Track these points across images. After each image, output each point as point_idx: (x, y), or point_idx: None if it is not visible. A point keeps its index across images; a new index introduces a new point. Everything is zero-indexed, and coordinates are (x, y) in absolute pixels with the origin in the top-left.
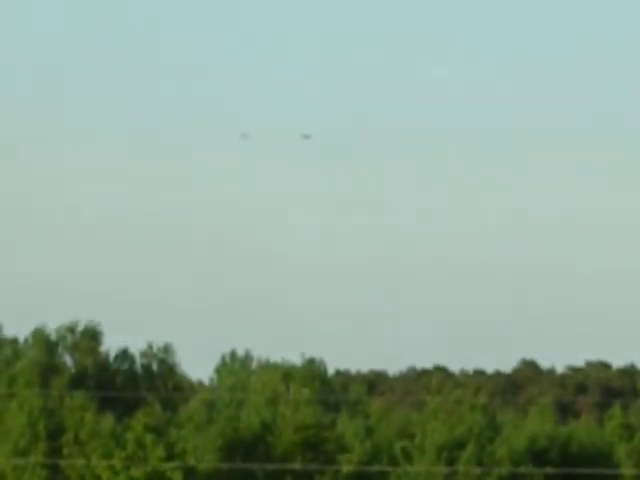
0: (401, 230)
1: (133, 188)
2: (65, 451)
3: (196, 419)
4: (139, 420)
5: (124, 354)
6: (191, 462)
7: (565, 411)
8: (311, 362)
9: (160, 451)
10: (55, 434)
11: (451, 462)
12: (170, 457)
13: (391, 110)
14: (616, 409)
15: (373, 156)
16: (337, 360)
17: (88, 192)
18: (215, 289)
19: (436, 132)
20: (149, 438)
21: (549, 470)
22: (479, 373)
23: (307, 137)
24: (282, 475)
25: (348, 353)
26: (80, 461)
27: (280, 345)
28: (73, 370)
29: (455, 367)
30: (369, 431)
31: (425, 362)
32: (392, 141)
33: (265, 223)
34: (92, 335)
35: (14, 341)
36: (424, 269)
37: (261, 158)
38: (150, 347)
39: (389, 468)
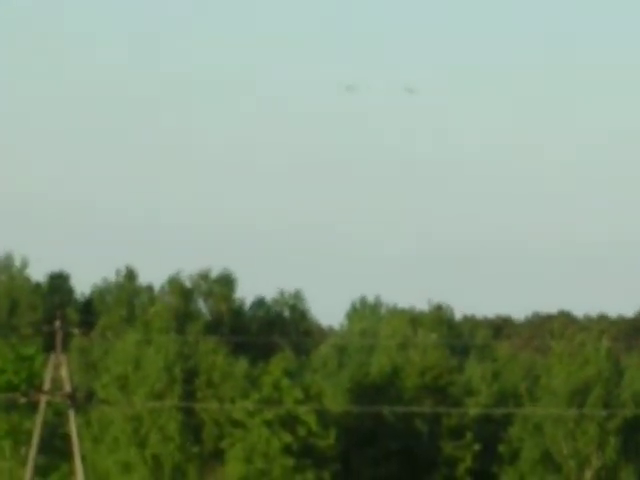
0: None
1: None
2: (199, 394)
3: (328, 364)
4: (277, 364)
5: (259, 301)
6: (325, 405)
7: None
8: (438, 308)
9: (297, 393)
10: (190, 378)
11: (577, 405)
12: (305, 400)
13: None
14: None
15: None
16: (464, 305)
17: None
18: (343, 237)
19: None
20: (285, 381)
21: None
22: (602, 317)
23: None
24: (410, 417)
25: (474, 298)
26: (214, 404)
27: (408, 291)
28: (208, 316)
29: (579, 312)
30: (495, 375)
31: (549, 307)
32: None
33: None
34: (226, 282)
35: (149, 288)
36: (560, 216)
37: None
38: (282, 294)
39: (515, 410)
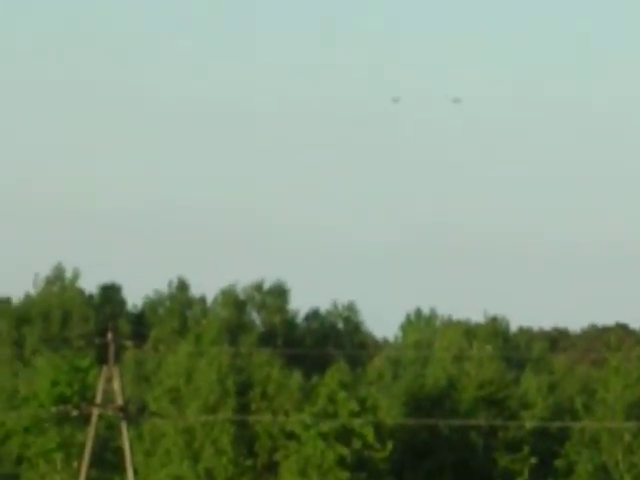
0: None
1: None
2: (253, 407)
3: (383, 376)
4: (332, 376)
5: (312, 313)
6: (381, 418)
7: None
8: (494, 320)
9: (352, 406)
10: (243, 390)
11: (634, 418)
12: (360, 412)
13: None
14: None
15: None
16: (519, 317)
17: None
18: (398, 248)
19: None
20: (341, 394)
21: None
22: None
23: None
24: (466, 430)
25: (530, 310)
26: (268, 417)
27: (463, 303)
28: (261, 328)
29: (636, 324)
30: (552, 388)
31: (606, 319)
32: None
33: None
34: (279, 293)
35: (202, 300)
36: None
37: None
38: (335, 305)
39: (571, 423)
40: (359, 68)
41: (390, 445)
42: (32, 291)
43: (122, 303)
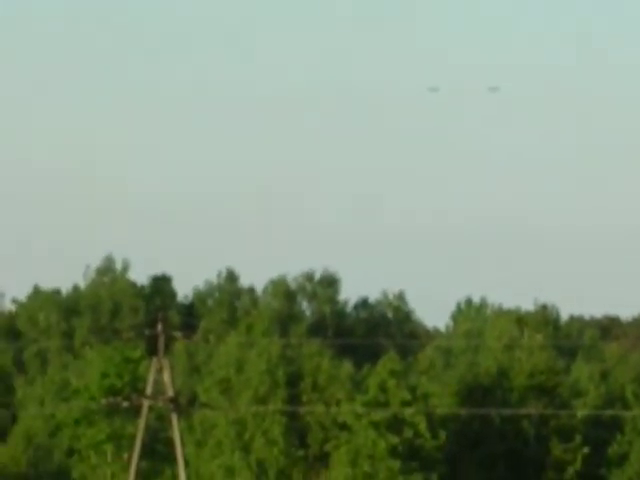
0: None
1: None
2: (304, 397)
3: (434, 365)
4: (383, 365)
5: (362, 302)
6: (433, 407)
7: None
8: (544, 308)
9: (404, 395)
10: (293, 381)
11: None
12: (412, 402)
13: None
14: None
15: None
16: (570, 305)
17: None
18: (447, 237)
19: None
20: (392, 383)
21: None
22: None
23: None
24: (518, 420)
25: (581, 298)
26: (320, 407)
27: (514, 291)
28: (311, 318)
29: None
30: (603, 376)
31: None
32: None
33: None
34: (329, 283)
35: (251, 290)
36: None
37: None
38: (385, 295)
39: (623, 412)
40: None
41: (443, 435)
42: (81, 283)
43: (172, 294)
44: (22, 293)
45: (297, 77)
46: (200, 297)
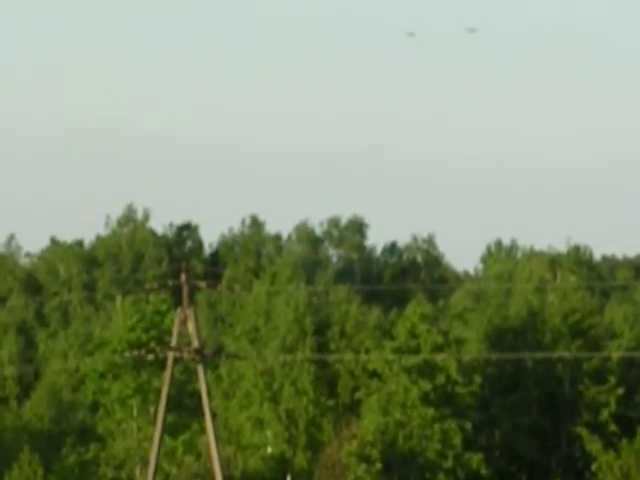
0: None
1: None
2: (332, 346)
3: (464, 309)
4: (414, 310)
5: (391, 247)
6: (464, 351)
7: None
8: (577, 249)
9: (436, 338)
10: (322, 329)
11: None
12: (444, 346)
13: None
14: None
15: None
16: (603, 245)
17: None
18: (476, 179)
19: None
20: (423, 327)
21: None
22: None
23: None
24: (552, 363)
25: (614, 238)
26: (349, 355)
27: (545, 232)
28: (338, 265)
29: None
30: (638, 316)
31: None
32: None
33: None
34: (357, 228)
35: (277, 237)
36: None
37: None
38: (415, 239)
39: None
40: None
41: (477, 380)
42: (103, 233)
43: (195, 243)
44: (39, 246)
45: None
46: (224, 245)
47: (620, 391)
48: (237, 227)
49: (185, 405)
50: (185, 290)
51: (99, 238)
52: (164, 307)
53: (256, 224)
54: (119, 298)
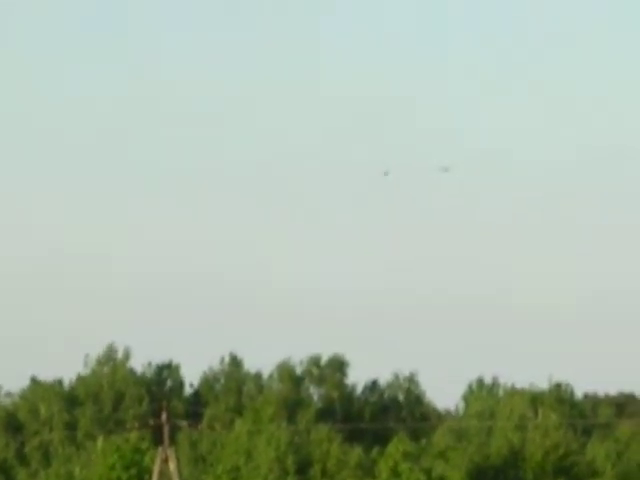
0: None
1: None
2: None
3: (446, 447)
4: (396, 448)
5: (372, 386)
6: None
7: None
8: (558, 386)
9: (419, 477)
10: (303, 468)
11: None
12: None
13: None
14: None
15: None
16: (584, 383)
17: None
18: (455, 318)
19: None
20: (405, 466)
21: None
22: None
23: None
24: None
25: (595, 376)
26: None
27: (527, 370)
28: (319, 403)
29: None
30: (619, 454)
31: None
32: None
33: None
34: (337, 367)
35: (257, 375)
36: None
37: None
38: (396, 377)
39: None
40: None
41: None
42: (83, 372)
43: (176, 381)
44: (19, 385)
45: None
46: (205, 384)
47: None
48: (217, 365)
49: None
50: (166, 430)
51: (79, 377)
52: (143, 445)
53: (235, 362)
54: (100, 438)
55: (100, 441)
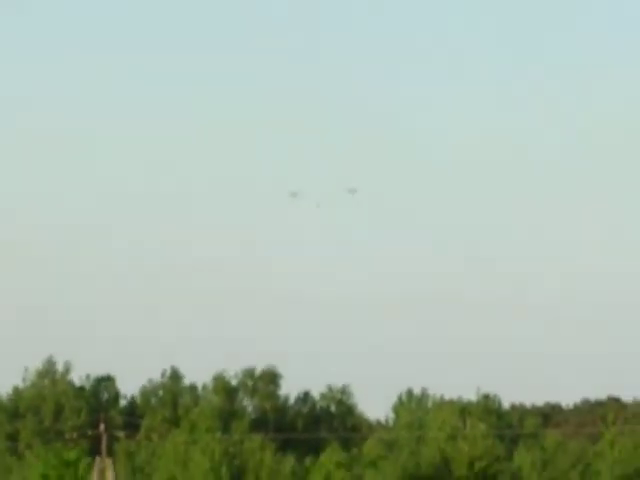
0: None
1: None
2: None
3: (377, 457)
4: (330, 457)
5: (304, 397)
6: None
7: None
8: (486, 397)
9: None
10: (237, 477)
11: None
12: None
13: None
14: None
15: None
16: (512, 394)
17: None
18: (387, 331)
19: None
20: (338, 475)
21: None
22: None
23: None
24: None
25: (522, 387)
26: None
27: (455, 382)
28: (253, 414)
29: (629, 397)
30: (545, 463)
31: (599, 393)
32: None
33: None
34: (271, 379)
35: (193, 387)
36: (598, 306)
37: None
38: (329, 389)
39: None
40: None
41: None
42: (21, 385)
43: (113, 393)
44: None
45: None
46: (143, 396)
47: None
48: (157, 378)
49: None
50: (104, 440)
51: (21, 390)
52: (73, 456)
53: (176, 375)
54: (36, 449)
55: (34, 452)
